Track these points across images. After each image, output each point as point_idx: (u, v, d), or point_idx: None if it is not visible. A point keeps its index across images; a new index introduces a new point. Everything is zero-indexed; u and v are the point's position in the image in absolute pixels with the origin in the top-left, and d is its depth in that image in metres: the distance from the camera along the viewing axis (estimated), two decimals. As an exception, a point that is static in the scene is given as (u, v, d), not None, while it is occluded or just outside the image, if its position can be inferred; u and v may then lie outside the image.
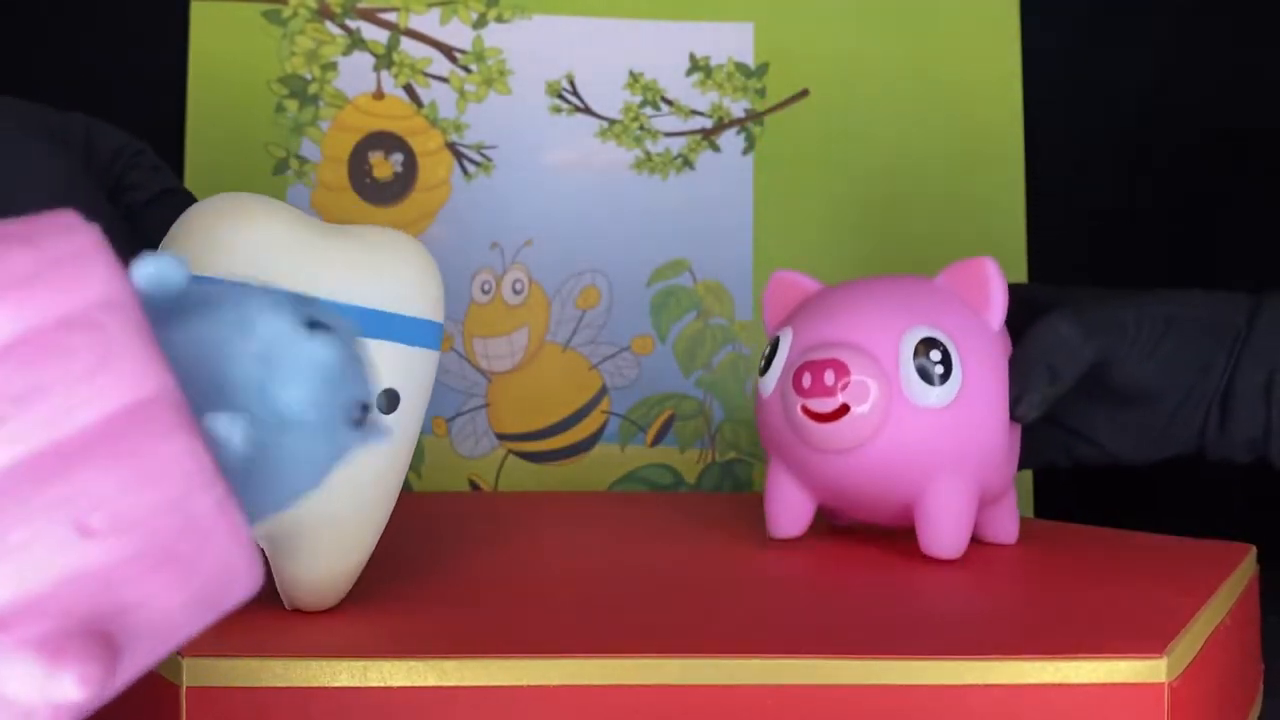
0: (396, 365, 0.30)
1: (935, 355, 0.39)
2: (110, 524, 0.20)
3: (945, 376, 0.39)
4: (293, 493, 0.22)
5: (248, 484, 0.21)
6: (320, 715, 0.28)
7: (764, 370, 0.42)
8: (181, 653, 0.28)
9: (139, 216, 0.38)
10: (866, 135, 0.63)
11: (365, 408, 0.22)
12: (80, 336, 0.19)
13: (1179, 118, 0.63)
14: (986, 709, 0.29)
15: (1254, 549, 0.41)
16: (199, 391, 0.20)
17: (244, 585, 0.21)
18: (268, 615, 0.32)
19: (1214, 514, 0.52)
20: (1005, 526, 0.43)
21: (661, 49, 0.62)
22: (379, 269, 0.30)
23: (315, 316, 0.21)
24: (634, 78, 0.62)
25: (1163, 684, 0.29)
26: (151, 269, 0.20)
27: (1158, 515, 0.48)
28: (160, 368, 0.20)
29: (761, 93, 0.62)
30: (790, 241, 0.61)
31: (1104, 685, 0.29)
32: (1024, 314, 0.43)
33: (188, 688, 0.28)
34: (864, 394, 0.38)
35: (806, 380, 0.39)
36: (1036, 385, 0.41)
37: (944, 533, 0.39)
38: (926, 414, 0.39)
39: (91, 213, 0.33)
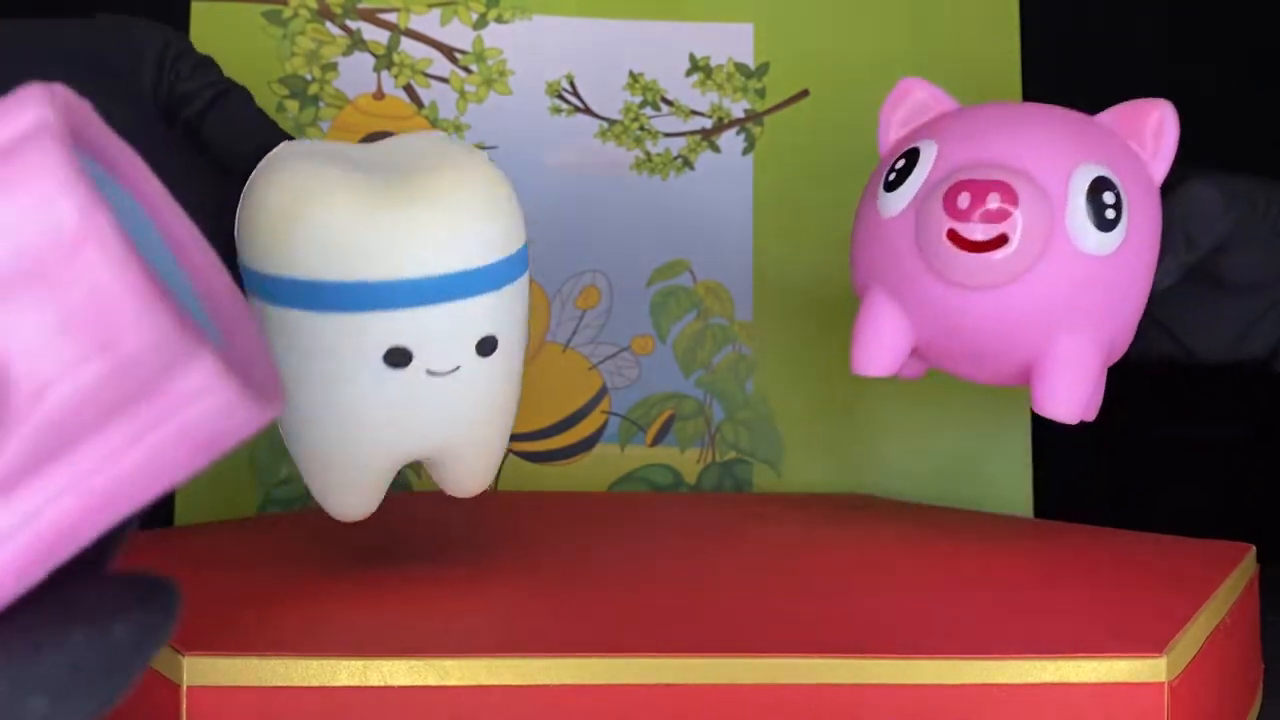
0: (488, 312, 0.31)
1: (1109, 198, 0.35)
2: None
3: (1114, 223, 0.35)
4: None
5: None
6: (321, 714, 0.28)
7: (892, 185, 0.37)
8: (182, 651, 0.28)
9: (197, 130, 0.37)
10: (866, 135, 0.63)
11: None
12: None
13: (1183, 118, 0.63)
14: (985, 709, 0.29)
15: (1253, 548, 0.41)
16: None
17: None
18: (268, 615, 0.32)
19: (1214, 513, 0.52)
20: (1093, 399, 0.39)
21: (661, 49, 0.62)
22: (454, 227, 0.30)
23: None
24: (634, 78, 0.62)
25: (1162, 684, 0.29)
26: None
27: (1158, 515, 0.48)
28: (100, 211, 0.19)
29: (761, 93, 0.62)
30: (790, 241, 0.61)
31: (1103, 685, 0.29)
32: None
33: (188, 686, 0.28)
34: (1026, 226, 0.34)
35: (964, 200, 0.34)
36: (1174, 250, 0.38)
37: (1072, 392, 0.36)
38: (1086, 261, 0.35)
39: (160, 162, 0.32)
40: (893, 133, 0.41)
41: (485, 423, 0.34)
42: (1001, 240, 0.34)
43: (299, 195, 0.30)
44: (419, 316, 0.30)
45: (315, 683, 0.28)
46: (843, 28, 0.63)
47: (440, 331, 0.31)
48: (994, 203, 0.34)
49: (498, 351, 0.32)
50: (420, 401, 0.32)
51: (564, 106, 0.61)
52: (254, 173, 0.32)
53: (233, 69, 0.45)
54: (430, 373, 0.31)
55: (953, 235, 0.35)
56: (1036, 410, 0.36)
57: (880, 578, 0.37)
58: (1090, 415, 0.38)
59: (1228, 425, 0.59)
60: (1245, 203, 0.38)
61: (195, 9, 0.60)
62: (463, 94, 0.61)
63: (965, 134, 0.37)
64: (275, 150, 0.32)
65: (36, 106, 0.20)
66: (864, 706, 0.29)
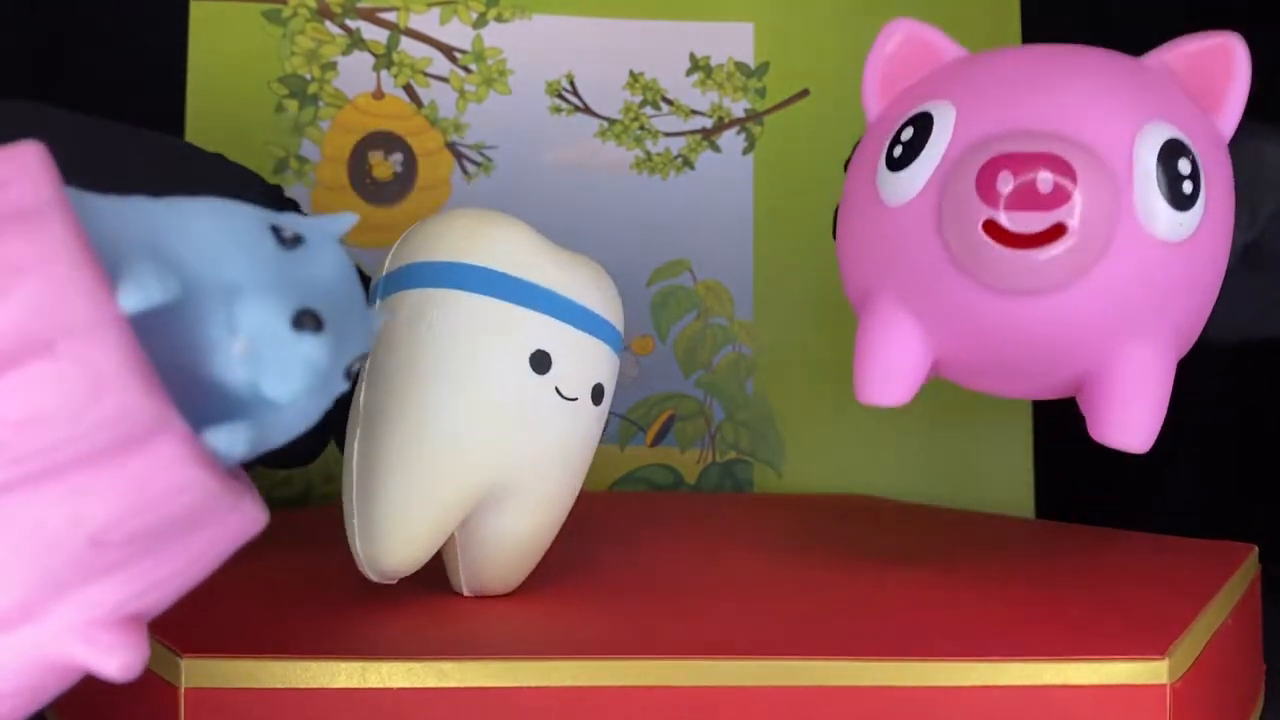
0: (604, 363, 0.34)
1: (1184, 166, 0.28)
2: (126, 539, 0.20)
3: (1193, 197, 0.28)
4: (287, 437, 0.23)
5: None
6: (319, 716, 0.28)
7: (899, 163, 0.29)
8: (180, 654, 0.28)
9: None
10: (867, 135, 0.63)
11: (356, 366, 0.23)
12: (66, 367, 0.19)
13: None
14: (985, 711, 0.29)
15: (1256, 548, 0.41)
16: (191, 395, 0.20)
17: (252, 528, 0.23)
18: (267, 616, 0.32)
19: (1216, 513, 0.52)
20: None
21: (661, 49, 0.62)
22: (596, 281, 0.35)
23: (304, 305, 0.21)
24: (634, 78, 0.62)
25: (1164, 686, 0.29)
26: (138, 297, 0.19)
27: (1158, 515, 0.48)
28: (154, 394, 0.20)
29: (761, 93, 0.62)
30: (791, 241, 0.61)
31: (1104, 687, 0.29)
32: None
33: (186, 689, 0.28)
34: (1089, 211, 0.26)
35: (1005, 182, 0.26)
36: (1237, 223, 0.30)
37: (1147, 416, 0.29)
38: (1161, 249, 0.28)
39: None
40: (883, 92, 0.32)
41: (558, 476, 0.34)
42: (1058, 231, 0.27)
43: (490, 215, 0.34)
44: (565, 331, 0.33)
45: (314, 684, 0.28)
46: (843, 27, 0.63)
47: (577, 353, 0.33)
48: (1046, 184, 0.26)
49: (598, 409, 0.34)
50: (542, 415, 0.33)
51: (564, 106, 0.61)
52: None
53: (232, 69, 0.45)
54: (559, 391, 0.33)
55: (991, 228, 0.27)
56: (1100, 440, 0.29)
57: (880, 579, 0.37)
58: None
59: (1230, 425, 0.59)
60: None
61: (194, 8, 0.60)
62: (462, 93, 0.61)
63: (990, 91, 0.29)
64: None
65: (40, 178, 0.20)
66: (863, 708, 0.29)
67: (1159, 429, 0.29)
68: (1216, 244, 0.29)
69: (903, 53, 0.33)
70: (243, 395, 0.21)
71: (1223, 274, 0.30)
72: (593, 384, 0.34)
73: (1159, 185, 0.28)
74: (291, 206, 0.42)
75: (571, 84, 0.61)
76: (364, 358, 0.23)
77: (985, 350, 0.30)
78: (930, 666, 0.29)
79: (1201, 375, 0.41)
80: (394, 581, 0.34)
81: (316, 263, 0.22)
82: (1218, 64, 0.30)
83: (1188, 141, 0.28)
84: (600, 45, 0.62)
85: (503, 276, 0.34)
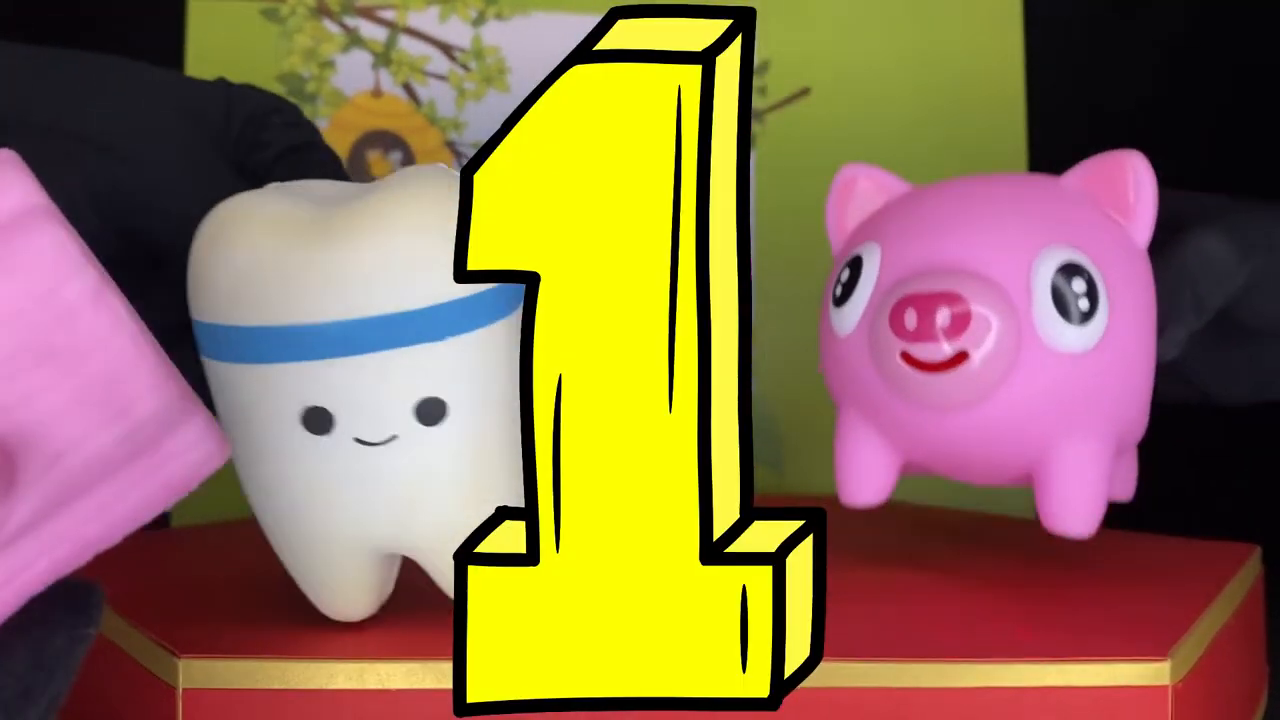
0: (429, 368, 0.26)
1: (1079, 285, 0.31)
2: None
3: (1090, 313, 0.31)
4: None
5: None
6: (319, 716, 0.28)
7: (840, 300, 0.33)
8: (178, 654, 0.28)
9: (263, 178, 0.36)
10: (867, 135, 0.63)
11: None
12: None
13: (1184, 121, 0.63)
14: (987, 712, 0.29)
15: (1259, 549, 0.40)
16: None
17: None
18: (265, 616, 0.31)
19: (1218, 513, 0.52)
20: (1124, 480, 0.36)
21: (661, 47, 0.62)
22: (385, 260, 0.26)
23: None
24: (634, 76, 0.61)
25: (1166, 687, 0.29)
26: None
27: (1159, 515, 0.48)
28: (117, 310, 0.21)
29: (762, 91, 0.62)
30: (791, 240, 0.61)
31: (1107, 688, 0.29)
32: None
33: (184, 689, 0.28)
34: (987, 336, 0.30)
35: (910, 320, 0.31)
36: (1181, 318, 0.33)
37: (1077, 506, 0.32)
38: (1065, 360, 0.31)
39: (212, 179, 0.32)
40: (842, 232, 0.36)
41: (447, 511, 0.28)
42: (961, 357, 0.31)
43: (211, 236, 0.27)
44: (335, 371, 0.26)
45: (312, 685, 0.28)
46: (844, 25, 0.63)
47: (363, 390, 0.26)
48: (944, 319, 0.30)
49: (449, 420, 0.26)
50: (352, 478, 0.27)
51: (563, 105, 0.61)
52: None
53: (231, 67, 0.45)
54: (361, 441, 0.26)
55: (906, 357, 0.31)
56: (1050, 529, 0.33)
57: (881, 580, 0.37)
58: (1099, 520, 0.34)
59: (1233, 424, 0.59)
60: (1261, 246, 0.34)
61: (193, 7, 0.59)
62: (461, 92, 0.61)
63: (908, 231, 0.33)
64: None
65: (23, 185, 0.21)
66: (864, 709, 0.28)
67: (1101, 513, 0.33)
68: (1130, 345, 0.32)
69: (857, 191, 0.37)
70: None
71: (1151, 367, 0.33)
72: (414, 403, 0.26)
73: (1057, 305, 0.31)
74: (277, 109, 0.40)
75: (571, 83, 0.61)
76: None
77: (936, 456, 0.34)
78: (932, 667, 0.29)
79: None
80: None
81: None
82: (1123, 180, 0.33)
83: (1083, 261, 0.32)
84: (600, 44, 0.62)
85: (234, 332, 0.26)
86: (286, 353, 0.26)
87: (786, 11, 0.63)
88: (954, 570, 0.38)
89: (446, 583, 0.29)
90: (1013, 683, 0.29)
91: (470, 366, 0.26)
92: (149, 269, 0.34)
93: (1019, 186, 0.34)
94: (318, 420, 0.26)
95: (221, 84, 0.38)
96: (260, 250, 0.26)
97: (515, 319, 0.24)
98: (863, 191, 0.36)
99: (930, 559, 0.39)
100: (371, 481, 0.27)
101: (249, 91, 0.38)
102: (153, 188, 0.33)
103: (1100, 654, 0.29)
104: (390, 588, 0.31)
